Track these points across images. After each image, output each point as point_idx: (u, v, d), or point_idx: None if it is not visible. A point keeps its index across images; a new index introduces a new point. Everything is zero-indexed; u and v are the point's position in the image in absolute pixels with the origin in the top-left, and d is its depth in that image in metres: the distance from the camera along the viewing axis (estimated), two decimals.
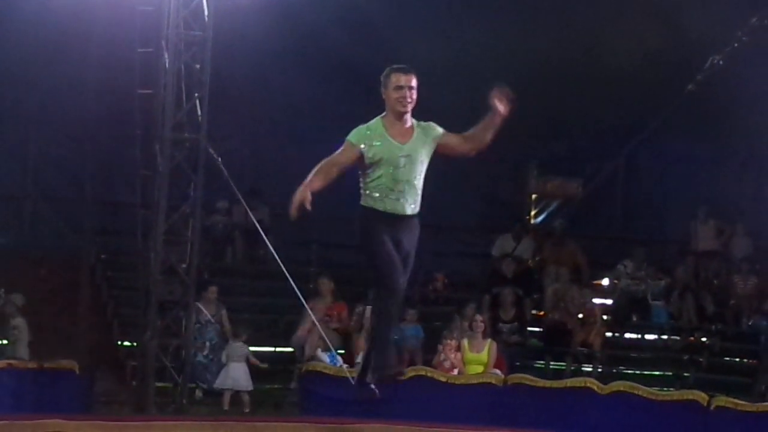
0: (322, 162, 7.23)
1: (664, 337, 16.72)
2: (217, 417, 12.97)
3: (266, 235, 13.99)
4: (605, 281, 17.32)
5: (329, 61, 16.97)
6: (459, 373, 13.52)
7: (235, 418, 12.88)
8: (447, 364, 13.55)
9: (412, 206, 7.31)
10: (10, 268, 14.85)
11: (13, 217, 17.28)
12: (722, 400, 12.19)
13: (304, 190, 7.04)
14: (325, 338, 13.67)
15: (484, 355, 13.74)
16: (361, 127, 7.30)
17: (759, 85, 15.79)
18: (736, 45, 17.09)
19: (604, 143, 18.61)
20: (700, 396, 12.29)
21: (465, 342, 13.79)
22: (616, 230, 19.62)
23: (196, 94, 13.42)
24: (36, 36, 15.28)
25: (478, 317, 14.14)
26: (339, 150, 7.28)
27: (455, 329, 14.44)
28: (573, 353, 15.58)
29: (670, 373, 15.81)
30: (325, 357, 13.92)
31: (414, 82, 7.26)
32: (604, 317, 16.19)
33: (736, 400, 12.22)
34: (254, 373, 14.08)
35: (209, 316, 14.43)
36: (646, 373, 15.79)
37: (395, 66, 7.32)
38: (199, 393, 14.21)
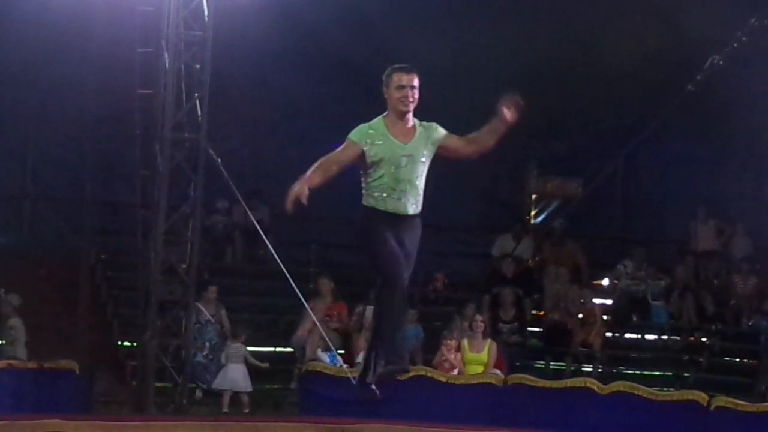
0: (322, 158, 7.19)
1: (664, 337, 16.72)
2: (216, 417, 12.98)
3: (266, 235, 13.99)
4: (605, 281, 17.33)
5: (329, 61, 16.98)
6: (459, 373, 13.51)
7: (235, 418, 12.88)
8: (447, 365, 13.54)
9: (413, 206, 7.28)
10: (10, 268, 14.84)
11: (12, 217, 17.27)
12: (722, 401, 12.18)
13: (302, 184, 7.00)
14: (326, 338, 13.67)
15: (484, 356, 13.73)
16: (363, 126, 7.27)
17: (759, 85, 15.80)
18: (736, 45, 17.07)
19: (604, 143, 18.61)
20: (700, 396, 12.28)
21: (465, 342, 13.78)
22: (615, 230, 19.63)
23: (196, 94, 13.41)
24: (36, 36, 15.28)
25: (478, 317, 14.13)
26: (340, 147, 7.24)
27: (455, 329, 14.43)
28: (573, 353, 15.59)
29: (670, 374, 15.81)
30: (325, 357, 13.92)
31: (416, 82, 7.22)
32: (604, 317, 16.20)
33: (736, 401, 12.21)
34: (254, 373, 14.07)
35: (209, 316, 14.43)
36: (646, 373, 15.79)
37: (397, 65, 7.28)
38: (198, 393, 14.21)
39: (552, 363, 15.75)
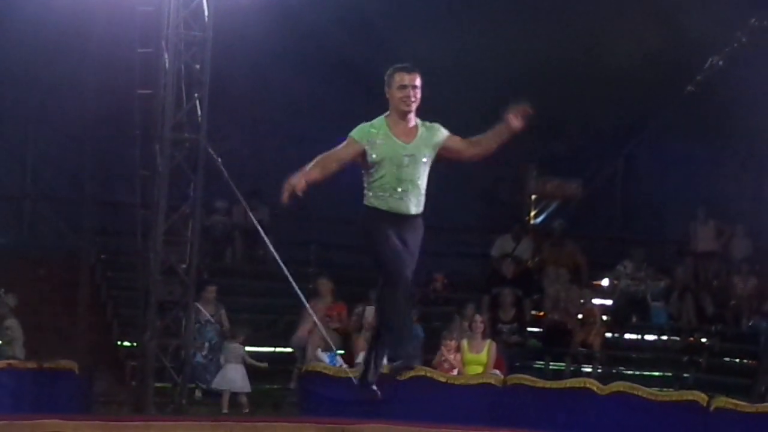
0: (323, 154, 7.18)
1: (664, 337, 16.72)
2: (216, 417, 12.97)
3: (266, 236, 13.99)
4: (605, 282, 17.32)
5: (329, 61, 16.98)
6: (459, 373, 13.51)
7: (234, 419, 12.87)
8: (447, 365, 13.54)
9: (415, 206, 7.25)
10: (10, 268, 14.85)
11: (12, 217, 17.28)
12: (722, 401, 12.16)
13: (300, 177, 6.98)
14: (327, 339, 13.67)
15: (483, 356, 13.73)
16: (365, 125, 7.24)
17: (758, 86, 15.80)
18: (735, 45, 17.10)
19: (603, 143, 18.61)
20: (700, 397, 12.27)
21: (464, 342, 13.78)
22: (615, 231, 19.63)
23: (196, 94, 13.42)
24: (36, 36, 15.29)
25: (478, 318, 14.12)
26: (341, 145, 7.22)
27: (455, 329, 14.43)
28: (573, 354, 15.58)
29: (670, 374, 15.79)
30: (324, 357, 13.92)
31: (418, 81, 7.20)
32: (604, 318, 16.19)
33: (735, 401, 12.19)
34: (253, 373, 14.07)
35: (209, 316, 14.42)
36: (645, 373, 15.77)
37: (399, 65, 7.25)
38: (198, 393, 14.20)
39: (551, 363, 15.75)
